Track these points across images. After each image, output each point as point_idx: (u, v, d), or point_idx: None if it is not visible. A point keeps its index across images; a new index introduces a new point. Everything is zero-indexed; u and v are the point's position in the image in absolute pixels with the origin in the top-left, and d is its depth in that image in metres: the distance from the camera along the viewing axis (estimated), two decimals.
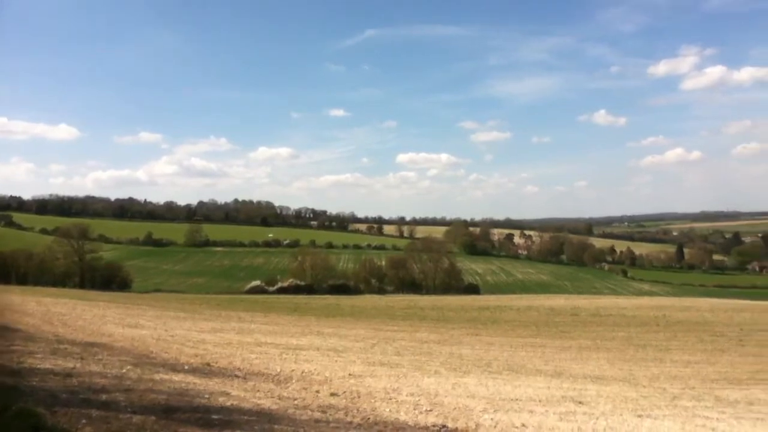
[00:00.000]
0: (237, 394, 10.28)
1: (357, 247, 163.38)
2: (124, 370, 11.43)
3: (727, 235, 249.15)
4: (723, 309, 64.63)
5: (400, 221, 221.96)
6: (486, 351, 26.53)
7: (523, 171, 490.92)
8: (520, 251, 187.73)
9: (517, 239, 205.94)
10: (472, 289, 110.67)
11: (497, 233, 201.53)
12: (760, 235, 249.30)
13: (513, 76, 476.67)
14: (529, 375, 18.73)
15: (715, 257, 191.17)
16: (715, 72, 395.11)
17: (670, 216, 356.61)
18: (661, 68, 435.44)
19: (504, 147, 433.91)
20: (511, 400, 12.78)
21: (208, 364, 14.02)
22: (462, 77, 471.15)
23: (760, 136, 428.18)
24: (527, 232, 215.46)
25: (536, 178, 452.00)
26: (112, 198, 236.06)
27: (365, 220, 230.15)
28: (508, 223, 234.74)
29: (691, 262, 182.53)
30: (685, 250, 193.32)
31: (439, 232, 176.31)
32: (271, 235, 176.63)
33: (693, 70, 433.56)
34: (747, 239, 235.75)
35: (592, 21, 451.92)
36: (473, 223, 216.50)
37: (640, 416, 12.04)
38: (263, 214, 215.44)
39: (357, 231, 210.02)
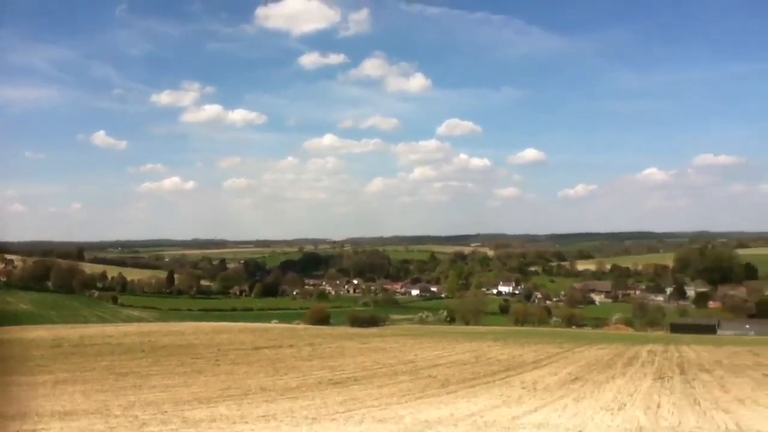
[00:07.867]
0: None
1: None
2: None
3: (215, 262, 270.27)
4: (205, 332, 69.23)
5: None
6: None
7: (9, 188, 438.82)
8: None
9: None
10: None
11: None
12: (242, 261, 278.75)
13: (4, 81, 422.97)
14: None
15: (203, 282, 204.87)
16: (212, 109, 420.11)
17: (166, 242, 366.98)
18: (164, 98, 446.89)
19: None
20: None
21: None
22: None
23: (247, 172, 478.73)
24: (8, 256, 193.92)
25: (24, 197, 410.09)
26: None
27: None
28: None
29: (181, 287, 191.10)
30: (176, 276, 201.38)
31: None
32: None
33: (193, 105, 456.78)
34: (232, 265, 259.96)
35: (99, 38, 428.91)
36: None
37: None
38: None
39: None
